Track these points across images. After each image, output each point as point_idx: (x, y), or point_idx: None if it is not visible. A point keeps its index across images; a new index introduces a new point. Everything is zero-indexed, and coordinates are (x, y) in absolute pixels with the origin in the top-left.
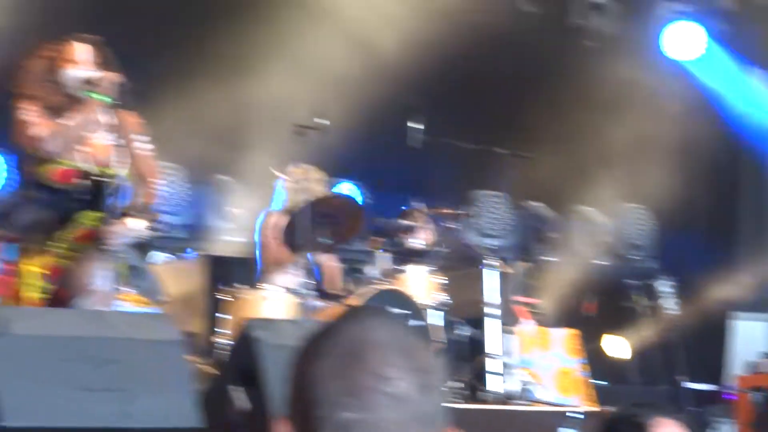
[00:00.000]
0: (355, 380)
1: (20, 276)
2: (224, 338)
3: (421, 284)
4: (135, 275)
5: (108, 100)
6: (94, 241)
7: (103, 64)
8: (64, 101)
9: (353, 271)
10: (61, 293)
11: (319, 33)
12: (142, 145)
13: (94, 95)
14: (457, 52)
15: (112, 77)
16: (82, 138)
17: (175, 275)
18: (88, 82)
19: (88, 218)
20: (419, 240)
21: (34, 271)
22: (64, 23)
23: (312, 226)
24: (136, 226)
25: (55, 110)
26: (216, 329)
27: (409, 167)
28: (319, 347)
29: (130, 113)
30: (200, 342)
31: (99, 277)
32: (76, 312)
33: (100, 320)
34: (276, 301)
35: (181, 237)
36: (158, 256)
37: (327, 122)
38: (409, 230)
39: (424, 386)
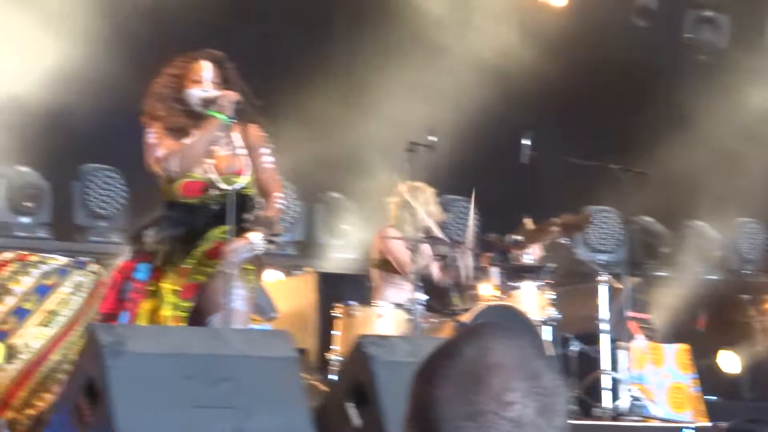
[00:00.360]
0: (476, 404)
1: (157, 294)
2: (337, 355)
3: (532, 300)
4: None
5: (225, 118)
6: (223, 257)
7: (224, 82)
8: (188, 121)
9: (464, 287)
10: (197, 311)
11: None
12: (266, 158)
13: (212, 113)
14: (569, 67)
15: (231, 96)
16: (205, 154)
17: (287, 292)
18: (208, 101)
19: (217, 233)
20: (530, 256)
21: (168, 288)
22: (189, 38)
23: (427, 244)
24: (256, 240)
25: (179, 130)
26: (328, 346)
27: (521, 183)
28: (439, 368)
29: (253, 126)
30: (312, 359)
31: (234, 295)
32: (191, 330)
33: (215, 338)
34: (388, 317)
35: (293, 254)
36: (270, 273)
37: (436, 139)
38: (520, 246)
39: (545, 410)
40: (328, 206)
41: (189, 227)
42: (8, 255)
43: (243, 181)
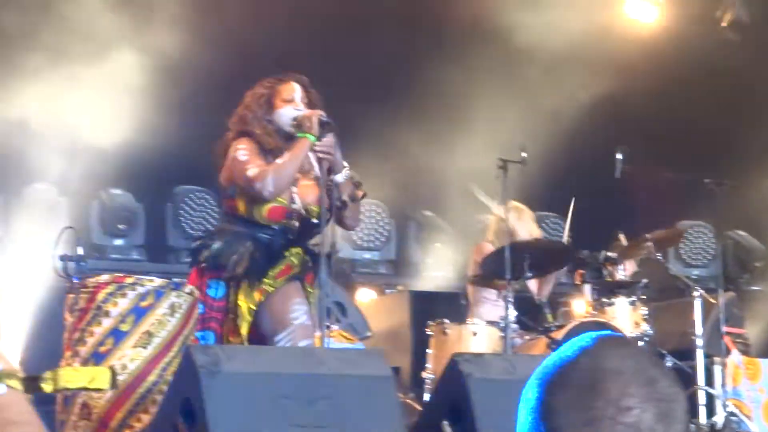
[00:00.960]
0: (593, 410)
1: (236, 312)
2: (431, 373)
3: (626, 316)
4: (340, 311)
5: (313, 138)
6: (298, 277)
7: (310, 103)
8: (278, 141)
9: (558, 304)
10: (262, 329)
11: (523, 68)
12: (346, 175)
13: (302, 134)
14: (661, 82)
15: (319, 114)
16: (294, 177)
17: (381, 311)
18: (297, 121)
19: (291, 254)
20: (623, 271)
21: (245, 306)
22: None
23: (517, 260)
24: (331, 263)
25: (268, 150)
26: (422, 364)
27: (614, 199)
28: (555, 376)
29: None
30: (407, 377)
31: (299, 312)
32: (286, 349)
33: (310, 357)
34: (482, 334)
35: (386, 273)
36: (363, 292)
37: (527, 155)
38: (613, 262)
39: (664, 416)
40: (420, 224)
41: (269, 247)
42: (104, 277)
43: (323, 208)
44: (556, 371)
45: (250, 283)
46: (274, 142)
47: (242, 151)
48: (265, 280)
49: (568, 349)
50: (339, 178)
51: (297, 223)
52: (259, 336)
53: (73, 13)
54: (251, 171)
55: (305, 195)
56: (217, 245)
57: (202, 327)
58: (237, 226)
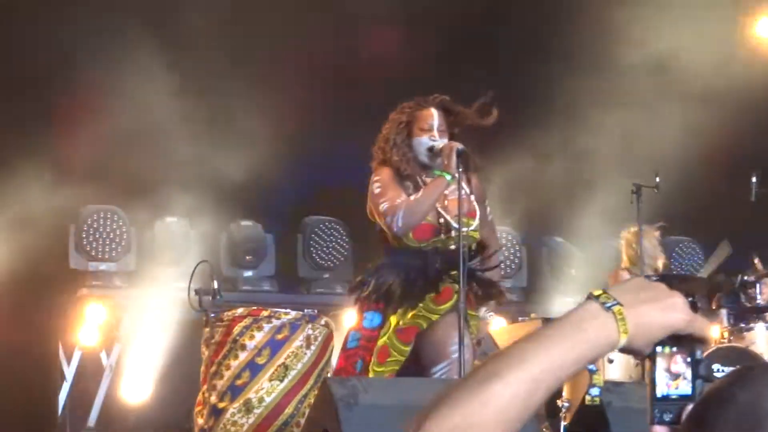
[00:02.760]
0: None
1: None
2: (566, 401)
3: (765, 342)
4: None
5: (449, 177)
6: (452, 303)
7: (454, 127)
8: (415, 168)
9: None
10: (417, 360)
11: (654, 92)
12: (488, 211)
13: (437, 172)
14: None
15: (455, 146)
16: (426, 215)
17: (512, 339)
18: (432, 152)
19: (451, 278)
20: (761, 296)
21: (393, 323)
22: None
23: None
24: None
25: (407, 177)
26: (558, 393)
27: (749, 222)
28: (713, 415)
29: (475, 178)
30: (541, 406)
31: (458, 344)
32: (425, 381)
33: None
34: (618, 362)
35: (517, 300)
36: (495, 320)
37: (659, 180)
38: (751, 286)
39: None
40: (551, 251)
41: (421, 271)
42: (240, 311)
43: (474, 223)
44: (712, 409)
45: (406, 308)
46: (411, 169)
47: (377, 183)
48: (424, 305)
49: (723, 385)
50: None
51: (449, 235)
52: (420, 367)
53: None
54: (383, 205)
55: (454, 208)
56: (374, 282)
57: (355, 357)
58: (389, 257)
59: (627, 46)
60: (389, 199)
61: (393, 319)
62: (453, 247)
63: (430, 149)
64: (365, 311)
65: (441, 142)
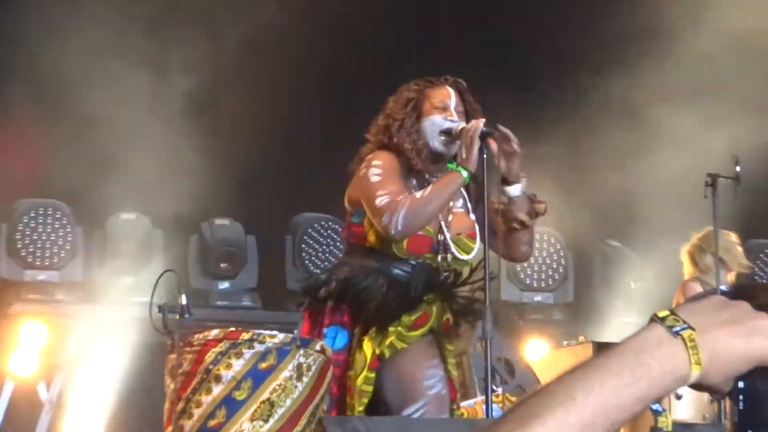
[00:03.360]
0: None
1: (353, 365)
2: None
3: None
4: (507, 370)
5: (467, 175)
6: (427, 328)
7: (467, 116)
8: (427, 161)
9: None
10: (385, 394)
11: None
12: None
13: (451, 165)
14: None
15: (478, 129)
16: (433, 218)
17: (556, 368)
18: (448, 135)
19: (430, 301)
20: None
21: (370, 352)
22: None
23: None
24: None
25: (410, 169)
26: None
27: None
28: None
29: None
30: None
31: (434, 378)
32: (443, 421)
33: (467, 430)
34: (689, 397)
35: (562, 319)
36: (534, 345)
37: (740, 169)
38: None
39: None
40: (605, 257)
41: (403, 287)
42: (214, 333)
43: (474, 248)
44: None
45: (379, 328)
46: (421, 163)
47: (376, 168)
48: (396, 329)
49: None
50: (514, 190)
51: (445, 258)
52: (382, 404)
53: None
54: (381, 199)
55: (457, 223)
56: (340, 280)
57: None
58: (364, 260)
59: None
60: (390, 193)
61: (367, 348)
62: (436, 273)
63: (447, 132)
64: (326, 326)
65: (460, 124)
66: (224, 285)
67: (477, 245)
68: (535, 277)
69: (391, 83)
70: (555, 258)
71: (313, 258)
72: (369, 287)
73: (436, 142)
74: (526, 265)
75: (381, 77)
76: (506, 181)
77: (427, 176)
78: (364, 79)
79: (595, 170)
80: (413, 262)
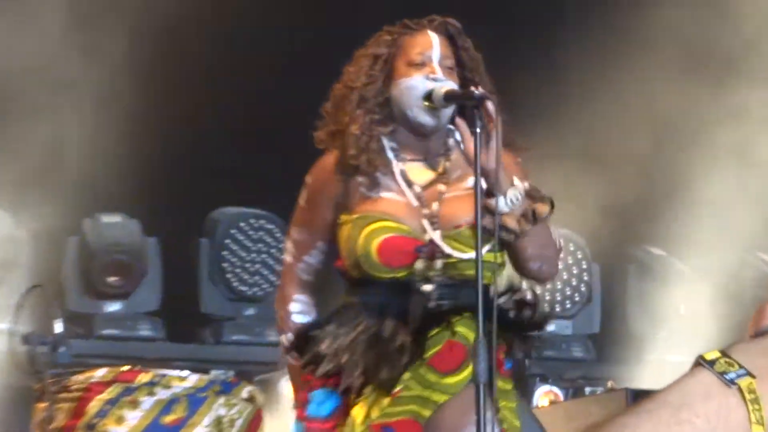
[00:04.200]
0: None
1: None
2: None
3: None
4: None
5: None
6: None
7: (462, 70)
8: (401, 138)
9: None
10: None
11: None
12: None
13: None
14: None
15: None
16: (425, 196)
17: (575, 422)
18: (432, 101)
19: (445, 328)
20: None
21: (360, 417)
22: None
23: None
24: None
25: (369, 174)
26: None
27: None
28: None
29: (509, 153)
30: None
31: None
32: None
33: None
34: None
35: (584, 358)
36: (545, 391)
37: None
38: None
39: None
40: (643, 271)
41: (398, 320)
42: (101, 373)
43: (484, 247)
44: None
45: (378, 389)
46: (368, 164)
47: (304, 190)
48: (415, 378)
49: None
50: (501, 204)
51: (438, 262)
52: None
53: None
54: (286, 253)
55: (452, 212)
56: (326, 341)
57: None
58: (352, 296)
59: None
60: (293, 248)
61: (358, 412)
62: (438, 287)
63: (428, 96)
64: (311, 390)
65: (447, 84)
66: (114, 307)
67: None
68: (547, 297)
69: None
70: (575, 272)
71: (238, 270)
72: (355, 337)
73: (418, 115)
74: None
75: None
76: (489, 192)
77: (378, 175)
78: None
79: (628, 148)
80: (401, 280)
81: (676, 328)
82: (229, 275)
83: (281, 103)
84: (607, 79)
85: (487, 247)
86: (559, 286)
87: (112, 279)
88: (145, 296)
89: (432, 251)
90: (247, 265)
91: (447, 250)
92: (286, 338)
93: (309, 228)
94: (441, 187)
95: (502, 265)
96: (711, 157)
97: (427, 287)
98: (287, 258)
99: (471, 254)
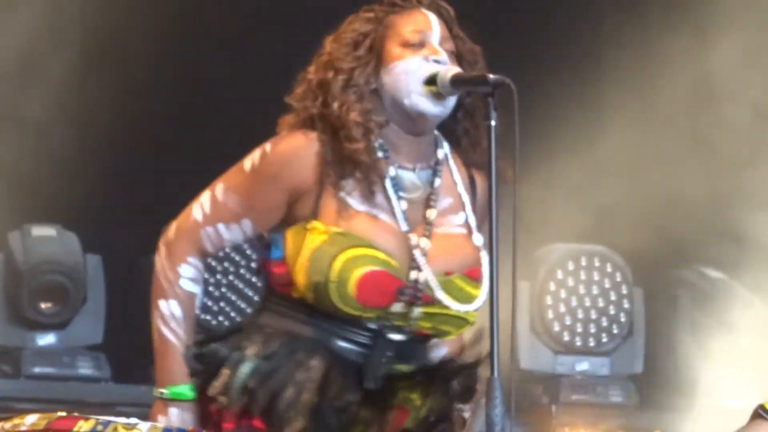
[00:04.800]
0: None
1: None
2: None
3: None
4: None
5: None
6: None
7: (459, 57)
8: (392, 136)
9: None
10: None
11: None
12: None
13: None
14: None
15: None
16: (416, 213)
17: None
18: (434, 84)
19: (409, 388)
20: None
21: None
22: None
23: None
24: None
25: (346, 158)
26: None
27: None
28: None
29: (480, 174)
30: None
31: None
32: None
33: None
34: None
35: (624, 403)
36: None
37: None
38: None
39: None
40: (695, 295)
41: (351, 369)
42: (31, 420)
43: (480, 295)
44: None
45: None
46: (369, 154)
47: (252, 160)
48: None
49: None
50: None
51: (416, 310)
52: None
53: None
54: (196, 208)
55: (443, 254)
56: (248, 366)
57: None
58: (289, 321)
59: None
60: (212, 203)
61: None
62: (403, 336)
63: (431, 81)
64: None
65: (450, 67)
66: (47, 339)
67: (483, 291)
68: (580, 330)
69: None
70: (613, 299)
71: (207, 292)
72: (294, 382)
73: (417, 98)
74: (563, 310)
75: None
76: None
77: (374, 177)
78: None
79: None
80: (373, 326)
81: (736, 367)
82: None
83: (237, 113)
84: (648, 89)
85: (477, 302)
86: (594, 316)
87: (44, 305)
88: (85, 327)
89: (414, 295)
90: (211, 288)
91: (441, 297)
92: (168, 306)
93: (244, 199)
94: (430, 214)
95: (472, 324)
96: None
97: (398, 337)
98: (196, 214)
99: (465, 306)
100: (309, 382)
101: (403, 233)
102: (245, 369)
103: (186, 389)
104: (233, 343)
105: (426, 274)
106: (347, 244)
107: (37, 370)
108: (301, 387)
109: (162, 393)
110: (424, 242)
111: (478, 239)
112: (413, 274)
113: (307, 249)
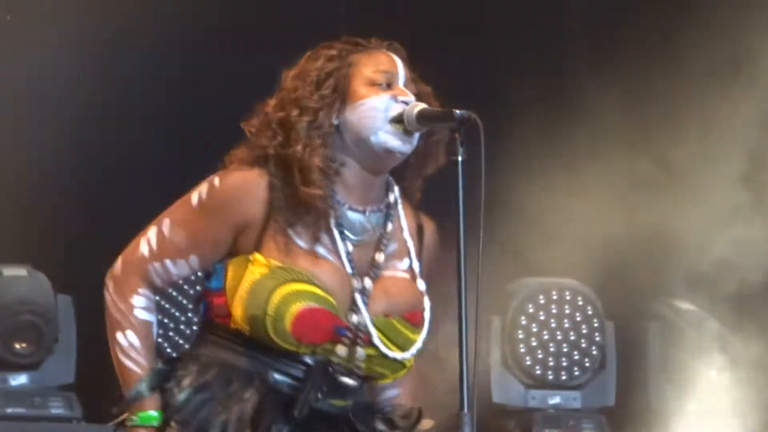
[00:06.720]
0: None
1: None
2: None
3: None
4: None
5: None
6: None
7: (418, 96)
8: (347, 177)
9: None
10: None
11: None
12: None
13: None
14: None
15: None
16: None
17: None
18: (400, 123)
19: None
20: None
21: None
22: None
23: None
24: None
25: (300, 203)
26: None
27: None
28: None
29: (431, 223)
30: None
31: None
32: None
33: None
34: None
35: None
36: None
37: None
38: None
39: None
40: (666, 328)
41: (282, 404)
42: None
43: (419, 339)
44: None
45: None
46: (324, 201)
47: (200, 194)
48: None
49: None
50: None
51: (361, 352)
52: None
53: None
54: (143, 243)
55: (385, 295)
56: (183, 394)
57: None
58: (227, 352)
59: None
60: (158, 240)
61: None
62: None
63: (398, 120)
64: None
65: (417, 104)
66: (19, 380)
67: (422, 337)
68: (551, 363)
69: None
70: (584, 332)
71: (171, 333)
72: (227, 410)
73: (384, 136)
74: (534, 344)
75: None
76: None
77: (331, 221)
78: None
79: (656, 179)
80: (307, 358)
81: (709, 401)
82: (160, 339)
83: (207, 143)
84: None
85: (414, 348)
86: (566, 349)
87: (18, 345)
88: (57, 366)
89: (355, 336)
90: (182, 327)
91: (377, 342)
92: (126, 338)
93: (190, 235)
94: (379, 257)
95: (409, 368)
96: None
97: (350, 381)
98: (143, 249)
99: (401, 354)
100: (242, 414)
101: (348, 275)
102: (180, 398)
103: (155, 413)
104: (169, 373)
105: (364, 317)
106: (287, 278)
107: (9, 410)
108: (234, 418)
109: (132, 420)
110: (368, 283)
111: (422, 284)
112: (353, 317)
113: (246, 281)
